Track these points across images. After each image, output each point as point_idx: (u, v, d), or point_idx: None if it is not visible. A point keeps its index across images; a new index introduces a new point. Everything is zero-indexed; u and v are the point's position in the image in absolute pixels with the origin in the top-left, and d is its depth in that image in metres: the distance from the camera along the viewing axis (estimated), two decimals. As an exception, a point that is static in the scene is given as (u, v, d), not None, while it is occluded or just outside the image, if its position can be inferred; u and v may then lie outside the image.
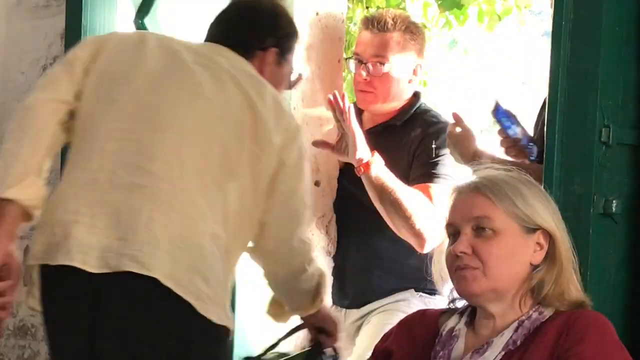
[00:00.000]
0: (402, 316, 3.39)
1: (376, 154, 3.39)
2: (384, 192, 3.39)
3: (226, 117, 2.51)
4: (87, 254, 2.35)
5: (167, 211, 2.38)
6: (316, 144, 3.53)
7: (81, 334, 2.39)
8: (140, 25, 3.28)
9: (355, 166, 3.41)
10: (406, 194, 3.37)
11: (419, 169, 3.49)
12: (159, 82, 2.53)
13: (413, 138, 3.57)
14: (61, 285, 2.40)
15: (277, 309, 2.91)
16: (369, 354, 3.15)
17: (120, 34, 2.95)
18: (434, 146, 3.49)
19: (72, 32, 3.18)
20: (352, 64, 3.64)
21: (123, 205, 2.39)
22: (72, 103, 2.52)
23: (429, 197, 3.39)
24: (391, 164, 3.47)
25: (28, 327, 3.52)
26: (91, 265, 2.34)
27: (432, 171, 3.43)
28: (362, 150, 3.39)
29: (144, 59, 2.55)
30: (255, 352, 3.11)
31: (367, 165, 3.39)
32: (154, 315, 2.35)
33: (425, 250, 3.35)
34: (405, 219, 3.37)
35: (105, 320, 2.37)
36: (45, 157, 2.48)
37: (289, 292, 2.82)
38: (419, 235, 3.37)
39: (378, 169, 3.38)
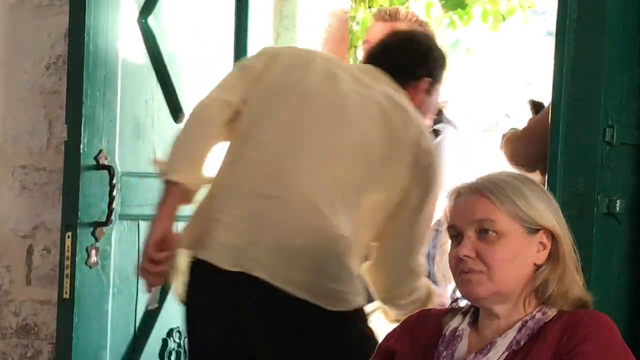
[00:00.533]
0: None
1: None
2: None
3: (366, 143, 2.72)
4: (223, 252, 2.63)
5: (296, 221, 2.65)
6: None
7: (216, 323, 2.68)
8: (143, 24, 3.28)
9: None
10: None
11: None
12: (312, 102, 2.76)
13: None
14: (202, 277, 2.68)
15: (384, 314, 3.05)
16: None
17: (295, 51, 3.12)
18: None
19: (76, 32, 3.17)
20: (361, 51, 3.65)
21: (258, 213, 2.67)
22: (239, 106, 2.77)
23: None
24: None
25: (31, 326, 3.52)
26: (227, 263, 2.62)
27: None
28: None
29: (305, 79, 2.78)
30: None
31: None
32: (286, 318, 2.62)
33: None
34: None
35: (250, 320, 2.63)
36: (208, 149, 2.76)
37: (396, 307, 2.93)
38: None
39: None
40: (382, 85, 2.83)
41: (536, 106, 3.01)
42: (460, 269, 2.11)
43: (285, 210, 2.66)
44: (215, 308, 2.67)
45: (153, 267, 2.69)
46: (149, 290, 2.76)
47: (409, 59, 2.91)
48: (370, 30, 3.71)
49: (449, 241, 2.18)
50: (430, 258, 3.44)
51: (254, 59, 2.91)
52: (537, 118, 2.95)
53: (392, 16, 3.62)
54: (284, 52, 2.95)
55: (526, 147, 2.93)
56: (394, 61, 2.89)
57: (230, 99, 2.78)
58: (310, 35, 3.67)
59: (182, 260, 2.71)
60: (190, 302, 2.72)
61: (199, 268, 2.68)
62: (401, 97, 2.83)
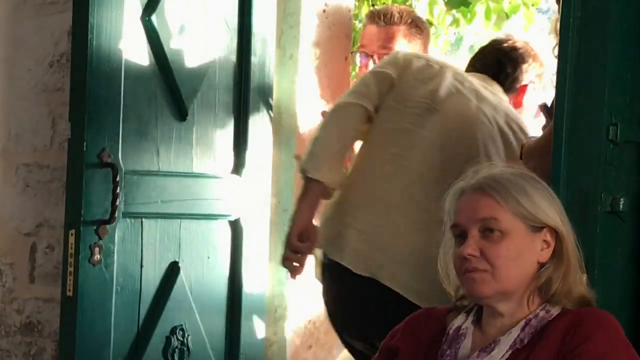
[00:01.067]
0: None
1: None
2: None
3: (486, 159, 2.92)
4: (354, 256, 2.89)
5: (420, 234, 2.86)
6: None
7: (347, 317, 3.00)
8: (146, 22, 3.28)
9: None
10: None
11: None
12: (438, 118, 2.95)
13: None
14: (337, 277, 2.97)
15: None
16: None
17: (425, 62, 3.17)
18: None
19: (79, 30, 3.17)
20: (358, 57, 3.64)
21: (384, 221, 2.91)
22: (372, 113, 3.01)
23: None
24: None
25: (34, 323, 3.52)
26: (360, 269, 2.89)
27: None
28: None
29: (435, 94, 2.97)
30: None
31: None
32: None
33: None
34: None
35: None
36: (346, 150, 3.04)
37: None
38: None
39: None
40: (490, 90, 3.08)
41: (549, 110, 3.00)
42: (464, 268, 2.11)
43: (412, 221, 2.89)
44: (346, 304, 2.98)
45: (295, 257, 2.97)
46: (294, 277, 3.04)
47: (514, 68, 3.19)
48: (364, 34, 3.69)
49: (453, 241, 2.18)
50: None
51: (388, 65, 3.07)
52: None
53: (387, 21, 3.60)
54: (416, 62, 3.08)
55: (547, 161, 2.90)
56: (501, 71, 3.17)
57: (366, 106, 2.99)
58: (314, 32, 3.67)
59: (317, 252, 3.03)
60: (327, 298, 3.05)
61: (334, 268, 2.96)
62: (505, 102, 3.11)
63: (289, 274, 3.04)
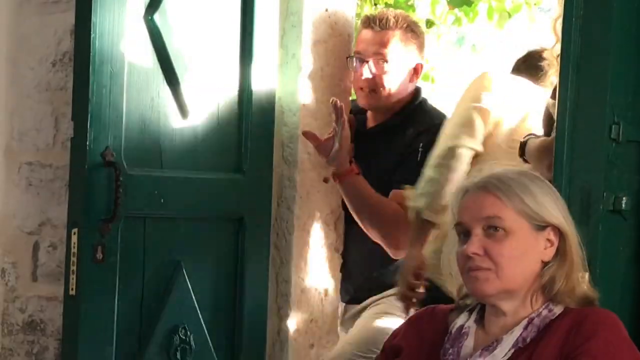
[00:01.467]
0: (396, 308, 3.42)
1: (353, 167, 3.50)
2: (356, 204, 3.51)
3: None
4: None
5: None
6: (305, 134, 3.54)
7: None
8: (149, 21, 3.28)
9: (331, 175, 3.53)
10: (378, 207, 3.46)
11: (403, 172, 3.50)
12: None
13: (405, 137, 3.57)
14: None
15: None
16: (351, 342, 3.27)
17: (510, 90, 3.37)
18: (420, 148, 3.49)
19: (82, 28, 3.17)
20: (353, 62, 3.64)
21: None
22: (478, 152, 3.22)
23: (405, 205, 3.38)
24: (384, 163, 3.49)
25: (37, 322, 3.52)
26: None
27: (414, 176, 3.38)
28: (341, 164, 3.49)
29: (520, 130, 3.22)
30: None
31: (340, 179, 3.50)
32: None
33: (396, 257, 3.50)
34: (378, 230, 3.49)
35: None
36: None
37: None
38: (390, 246, 3.50)
39: (349, 184, 3.48)
40: None
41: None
42: (468, 267, 2.11)
43: None
44: None
45: (412, 294, 3.20)
46: (407, 313, 3.21)
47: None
48: (359, 39, 3.68)
49: (456, 239, 2.18)
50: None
51: (487, 99, 3.24)
52: None
53: (383, 26, 3.59)
54: (503, 93, 3.28)
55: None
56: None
57: (476, 148, 3.20)
58: (316, 32, 3.67)
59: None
60: None
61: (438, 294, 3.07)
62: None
63: (404, 310, 3.25)
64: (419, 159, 3.45)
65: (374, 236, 3.49)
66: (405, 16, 3.69)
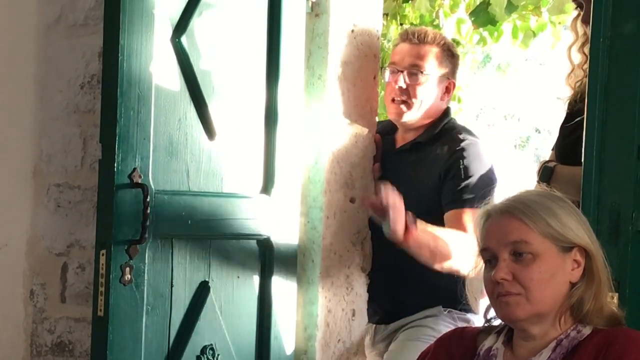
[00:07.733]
0: (429, 332, 3.40)
1: (409, 228, 3.21)
2: (426, 253, 3.30)
3: None
4: None
5: None
6: (365, 203, 3.45)
7: None
8: (177, 43, 3.30)
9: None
10: (445, 242, 3.29)
11: (450, 193, 3.45)
12: None
13: (440, 156, 3.53)
14: None
15: None
16: None
17: None
18: (462, 166, 3.46)
19: (109, 51, 3.19)
20: (387, 73, 3.63)
21: None
22: None
23: (464, 224, 3.35)
24: (418, 182, 3.46)
25: (65, 343, 3.54)
26: None
27: (465, 195, 3.38)
28: (397, 229, 3.21)
29: None
30: None
31: (404, 245, 3.25)
32: None
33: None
34: (445, 264, 3.33)
35: None
36: None
37: None
38: (458, 272, 3.28)
39: (413, 243, 3.24)
40: None
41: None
42: (497, 292, 2.10)
43: None
44: None
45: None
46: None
47: None
48: (395, 51, 3.68)
49: (482, 265, 2.17)
50: (461, 281, 3.41)
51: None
52: None
53: (421, 39, 3.59)
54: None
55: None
56: None
57: None
58: (342, 53, 3.68)
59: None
60: None
61: None
62: None
63: None
64: (462, 177, 3.43)
65: (441, 268, 3.35)
66: (444, 36, 3.70)
